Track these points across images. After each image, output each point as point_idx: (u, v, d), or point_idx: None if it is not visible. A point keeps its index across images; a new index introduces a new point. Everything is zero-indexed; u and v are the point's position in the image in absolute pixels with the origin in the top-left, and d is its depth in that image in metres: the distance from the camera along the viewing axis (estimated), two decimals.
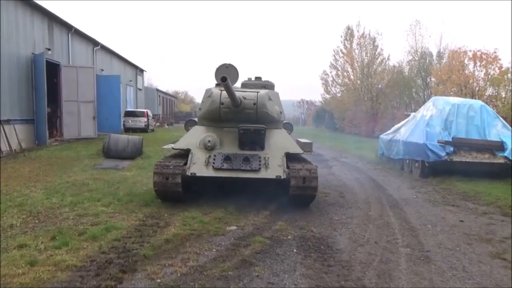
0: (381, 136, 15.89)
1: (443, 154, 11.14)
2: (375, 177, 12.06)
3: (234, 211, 7.07)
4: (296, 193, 7.11)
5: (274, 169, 7.18)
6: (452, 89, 24.04)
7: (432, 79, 28.90)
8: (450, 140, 11.43)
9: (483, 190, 9.76)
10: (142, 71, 44.57)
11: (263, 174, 7.14)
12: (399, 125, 15.08)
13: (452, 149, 11.29)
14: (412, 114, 15.48)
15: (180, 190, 7.06)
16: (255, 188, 7.69)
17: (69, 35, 22.30)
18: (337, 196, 8.96)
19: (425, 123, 12.11)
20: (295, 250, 5.06)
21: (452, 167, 11.36)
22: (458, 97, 16.72)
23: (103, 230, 5.44)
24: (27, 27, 17.45)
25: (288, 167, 7.22)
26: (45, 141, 17.59)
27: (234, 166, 7.15)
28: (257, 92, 8.05)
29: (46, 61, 19.36)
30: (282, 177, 7.09)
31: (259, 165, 7.19)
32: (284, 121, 9.26)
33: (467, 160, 11.16)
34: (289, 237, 5.66)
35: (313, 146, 8.77)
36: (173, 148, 7.98)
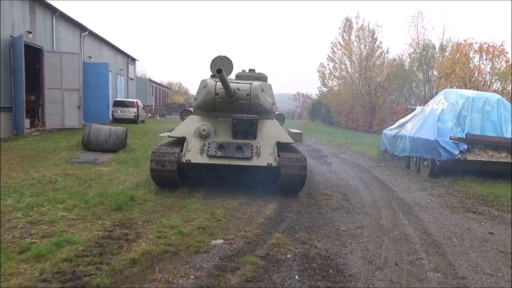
0: (384, 131, 14.80)
1: (456, 152, 10.07)
2: (380, 176, 10.98)
3: (222, 217, 5.96)
4: (286, 180, 7.38)
5: (266, 157, 7.47)
6: (456, 83, 22.97)
7: (435, 72, 27.84)
8: (464, 136, 10.36)
9: (502, 193, 8.74)
10: (134, 60, 43.08)
11: (255, 162, 7.42)
12: (404, 119, 14.00)
13: (466, 146, 10.23)
14: (419, 107, 14.40)
15: (175, 176, 7.35)
16: (247, 176, 7.88)
17: (54, 18, 20.89)
18: (341, 198, 7.87)
19: (436, 118, 11.02)
20: (297, 277, 3.94)
21: (465, 167, 10.31)
22: (472, 90, 15.58)
23: (53, 246, 4.29)
24: (5, 7, 16.09)
25: (279, 155, 7.52)
26: (23, 131, 16.32)
27: (228, 154, 7.43)
28: (251, 84, 8.40)
29: (28, 45, 18.08)
30: (273, 165, 7.38)
31: (251, 153, 7.48)
32: (276, 112, 9.51)
33: (482, 159, 10.11)
34: (288, 255, 4.55)
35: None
36: (169, 136, 8.36)
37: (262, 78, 9.45)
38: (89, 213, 5.78)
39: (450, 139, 10.29)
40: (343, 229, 5.76)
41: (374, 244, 5.16)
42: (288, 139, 8.13)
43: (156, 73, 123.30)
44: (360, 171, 11.75)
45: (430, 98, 28.34)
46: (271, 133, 8.03)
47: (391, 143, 13.63)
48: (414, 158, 11.77)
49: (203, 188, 7.99)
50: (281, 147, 7.89)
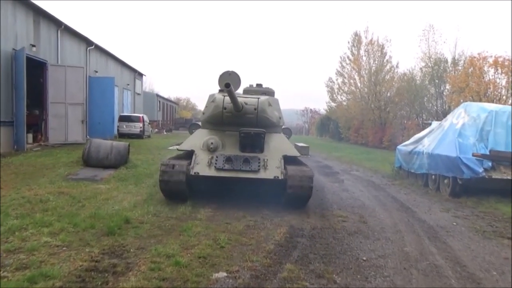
0: (399, 147, 14.08)
1: (480, 170, 9.32)
2: (397, 195, 10.24)
3: (226, 243, 5.29)
4: (292, 192, 7.39)
5: (272, 170, 7.57)
6: (470, 98, 22.21)
7: (447, 87, 27.12)
8: (487, 153, 9.63)
9: None
10: (141, 75, 42.95)
11: (261, 175, 7.51)
12: (420, 134, 13.29)
13: (490, 164, 9.48)
14: (435, 122, 13.69)
15: (184, 188, 7.47)
16: (254, 188, 7.95)
17: (58, 32, 20.63)
18: (357, 221, 7.15)
19: (457, 133, 10.31)
20: None
21: (489, 186, 9.55)
22: (494, 104, 14.85)
23: (25, 281, 3.65)
24: (8, 20, 15.77)
25: (285, 168, 7.58)
26: (24, 146, 15.83)
27: (235, 167, 7.53)
28: (258, 98, 8.50)
29: (31, 58, 17.78)
30: (280, 178, 7.47)
31: (258, 166, 7.59)
32: (284, 127, 9.69)
33: (508, 177, 9.34)
34: None
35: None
36: (178, 149, 8.53)
37: (269, 92, 9.65)
38: (76, 238, 5.13)
39: (473, 155, 9.56)
40: (364, 258, 5.05)
41: (401, 278, 4.44)
42: (294, 153, 8.21)
43: (164, 89, 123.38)
44: (375, 190, 11.02)
45: (443, 113, 27.73)
46: (278, 146, 8.12)
47: (406, 160, 12.90)
48: (433, 176, 11.01)
49: (206, 208, 7.36)
50: (288, 160, 7.94)
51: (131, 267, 4.24)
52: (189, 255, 4.74)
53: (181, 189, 7.44)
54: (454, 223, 7.32)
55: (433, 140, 11.46)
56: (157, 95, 57.99)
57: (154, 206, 7.27)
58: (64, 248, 4.73)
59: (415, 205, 9.00)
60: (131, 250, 4.83)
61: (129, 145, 13.14)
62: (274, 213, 7.33)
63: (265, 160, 7.70)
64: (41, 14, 18.61)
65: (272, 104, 8.87)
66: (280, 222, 6.67)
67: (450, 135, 10.64)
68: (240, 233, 5.88)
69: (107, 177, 10.37)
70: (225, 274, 4.23)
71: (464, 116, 10.68)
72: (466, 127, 10.35)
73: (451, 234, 6.52)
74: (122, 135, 27.56)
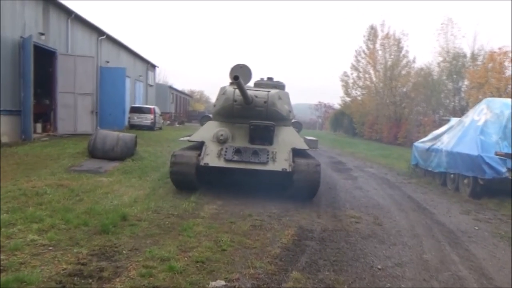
0: (415, 144, 13.49)
1: (503, 170, 8.73)
2: (413, 195, 9.71)
3: (228, 245, 4.86)
4: (299, 185, 7.52)
5: (281, 162, 7.64)
6: (489, 94, 21.37)
7: (465, 82, 26.22)
8: (511, 152, 9.02)
9: None
10: (154, 66, 42.68)
11: (270, 167, 7.60)
12: (438, 131, 12.68)
13: None
14: (455, 119, 13.05)
15: (194, 178, 7.64)
16: (262, 180, 7.94)
17: (69, 21, 20.34)
18: (372, 222, 6.67)
19: (478, 130, 9.70)
20: None
21: (507, 187, 8.95)
22: None
23: None
24: (16, 7, 15.50)
25: (293, 161, 7.66)
26: (30, 135, 15.61)
27: (244, 159, 7.64)
28: (268, 92, 8.60)
29: (40, 47, 17.55)
30: (288, 170, 7.54)
31: (267, 158, 7.68)
32: (294, 121, 9.78)
33: None
34: None
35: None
36: (189, 141, 8.57)
37: (280, 86, 9.70)
38: (66, 236, 4.75)
39: (495, 154, 8.97)
40: (379, 267, 4.58)
41: None
42: (303, 146, 8.24)
43: (178, 81, 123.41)
44: (389, 188, 10.49)
45: (460, 110, 26.85)
46: (287, 139, 8.17)
47: (423, 157, 12.32)
48: (452, 175, 10.44)
49: (211, 205, 6.96)
50: (297, 153, 7.99)
51: (119, 272, 3.84)
52: (186, 259, 4.32)
53: (190, 179, 7.63)
54: (476, 227, 6.79)
55: (453, 137, 10.87)
56: (170, 87, 57.75)
57: (156, 201, 6.88)
58: (51, 248, 4.35)
59: (433, 206, 8.47)
60: (124, 251, 4.44)
61: (136, 137, 12.79)
62: (282, 212, 6.89)
63: (274, 153, 7.79)
64: (50, 3, 18.33)
65: (282, 98, 8.94)
66: (288, 222, 6.23)
67: (471, 132, 10.04)
68: (244, 234, 5.45)
69: (111, 170, 10.03)
70: (223, 282, 3.80)
71: (486, 113, 10.06)
72: (488, 124, 9.74)
73: (474, 240, 6.01)
74: (133, 127, 27.32)
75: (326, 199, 8.45)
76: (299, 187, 7.54)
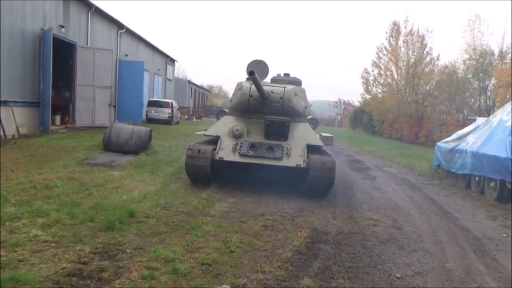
0: (438, 143, 13.00)
1: None
2: (435, 197, 9.29)
3: (236, 247, 4.61)
4: (313, 181, 7.48)
5: (295, 158, 7.63)
6: None
7: (492, 81, 25.34)
8: None
9: None
10: (173, 61, 42.73)
11: (284, 162, 7.59)
12: (463, 131, 12.16)
13: None
14: (481, 118, 12.51)
15: (208, 172, 7.68)
16: (276, 175, 7.92)
17: (89, 14, 20.38)
18: (390, 226, 6.33)
19: (507, 131, 9.19)
20: None
21: None
22: None
23: None
24: (37, 0, 15.55)
25: (308, 157, 7.63)
26: (48, 128, 15.67)
27: (259, 154, 7.66)
28: (284, 87, 8.57)
29: (61, 40, 17.61)
30: (302, 166, 7.53)
31: (282, 154, 7.68)
32: (310, 117, 9.82)
33: None
34: None
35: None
36: (204, 135, 8.61)
37: (296, 82, 9.64)
38: (70, 233, 4.57)
39: None
40: (398, 275, 4.26)
41: None
42: (318, 142, 8.21)
43: (197, 76, 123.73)
44: (410, 189, 10.08)
45: (486, 109, 25.98)
46: (302, 135, 8.15)
47: (447, 158, 11.83)
48: (477, 178, 9.96)
49: (222, 203, 6.74)
50: (312, 149, 7.95)
51: (120, 273, 3.63)
52: (191, 260, 4.09)
53: (205, 173, 7.67)
54: (504, 235, 6.37)
55: (479, 137, 10.37)
56: (189, 82, 57.85)
57: (166, 198, 6.69)
58: (53, 245, 4.17)
59: (457, 209, 8.05)
60: (127, 250, 4.23)
61: (150, 131, 12.66)
62: (296, 212, 6.62)
63: (289, 148, 7.77)
64: None
65: (298, 94, 8.89)
66: (301, 223, 5.95)
67: (499, 133, 9.54)
68: (255, 234, 5.19)
69: (124, 163, 9.90)
70: (229, 287, 3.55)
71: None
72: None
73: (501, 248, 5.61)
74: (150, 120, 27.37)
75: (342, 199, 8.13)
76: (313, 183, 7.51)
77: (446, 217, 7.34)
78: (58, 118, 19.10)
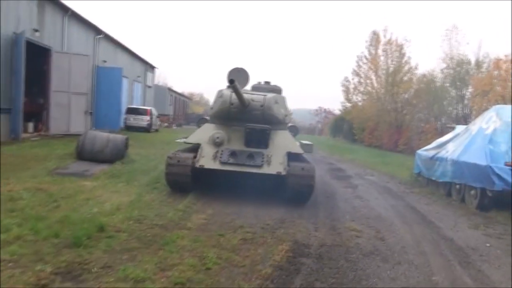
0: (419, 151, 12.98)
1: None
2: (417, 206, 9.18)
3: (213, 263, 4.33)
4: (294, 189, 7.53)
5: (276, 166, 7.65)
6: (495, 102, 20.88)
7: (469, 90, 25.74)
8: None
9: None
10: (153, 67, 42.23)
11: (265, 170, 7.61)
12: (443, 139, 12.17)
13: None
14: (460, 126, 12.55)
15: (189, 180, 7.62)
16: (257, 183, 7.98)
17: (65, 18, 19.86)
18: (374, 236, 6.14)
19: (487, 139, 9.18)
20: None
21: None
22: None
23: None
24: (10, 2, 15.00)
25: (288, 165, 7.64)
26: (19, 135, 15.08)
27: (239, 161, 7.65)
28: (265, 95, 8.68)
29: (35, 44, 17.06)
30: (282, 173, 7.55)
31: (262, 161, 7.70)
32: (290, 125, 9.87)
33: None
34: None
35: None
36: (185, 142, 8.64)
37: (277, 90, 9.81)
38: (31, 250, 4.21)
39: (505, 165, 8.46)
40: None
41: None
42: (298, 150, 8.29)
43: (178, 84, 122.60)
44: (392, 198, 9.97)
45: (463, 117, 26.38)
46: (282, 143, 8.18)
47: (427, 166, 11.80)
48: (457, 186, 9.91)
49: (199, 214, 6.44)
50: (292, 157, 7.98)
51: None
52: (164, 279, 3.79)
53: (186, 181, 7.61)
54: (488, 244, 6.25)
55: (459, 145, 10.35)
56: (169, 89, 57.32)
57: (140, 209, 6.35)
58: (10, 265, 3.81)
59: (439, 218, 7.94)
60: (94, 269, 3.90)
61: (127, 139, 12.26)
62: (276, 223, 6.37)
63: (269, 156, 7.80)
64: None
65: (279, 102, 8.94)
66: (282, 236, 5.70)
67: (479, 141, 9.52)
68: (233, 249, 4.91)
69: (98, 173, 9.49)
70: None
71: (495, 121, 9.54)
72: (498, 133, 9.22)
73: (486, 259, 5.47)
74: (129, 128, 26.85)
75: (324, 209, 7.93)
76: (294, 190, 7.56)
77: (429, 226, 7.21)
78: (31, 125, 18.47)
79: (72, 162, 10.63)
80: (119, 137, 11.98)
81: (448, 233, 6.77)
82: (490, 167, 8.44)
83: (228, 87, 8.38)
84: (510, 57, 21.44)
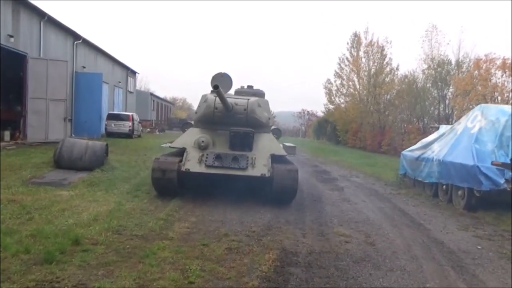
0: (404, 152, 12.89)
1: (502, 181, 8.11)
2: (404, 207, 9.05)
3: (196, 276, 4.06)
4: (278, 190, 7.71)
5: (260, 168, 7.84)
6: (476, 101, 21.07)
7: (451, 90, 25.98)
8: (508, 161, 8.43)
9: None
10: (134, 72, 41.65)
11: (249, 172, 7.79)
12: (428, 139, 12.10)
13: (511, 174, 8.29)
14: (444, 126, 12.52)
15: (175, 184, 7.71)
16: (242, 185, 8.07)
17: (41, 23, 19.33)
18: (363, 241, 5.95)
19: (473, 138, 9.10)
20: None
21: (507, 199, 8.36)
22: None
23: None
24: None
25: (272, 167, 7.85)
26: None
27: (224, 164, 7.79)
28: (248, 99, 8.87)
29: (10, 50, 16.54)
30: (267, 175, 7.76)
31: (247, 164, 7.86)
32: (273, 127, 10.10)
33: None
34: None
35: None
36: (170, 147, 8.77)
37: (260, 94, 10.04)
38: None
39: (492, 164, 8.38)
40: None
41: None
42: (281, 152, 8.51)
43: (161, 89, 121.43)
44: (378, 200, 9.82)
45: (445, 117, 26.62)
46: (266, 145, 8.37)
47: (413, 167, 11.71)
48: (444, 186, 9.82)
49: (182, 223, 6.16)
50: (276, 159, 8.17)
51: None
52: None
53: (172, 185, 7.68)
54: (479, 246, 6.11)
55: (445, 145, 10.27)
56: (151, 94, 56.74)
57: (119, 219, 6.04)
58: None
59: (427, 220, 7.80)
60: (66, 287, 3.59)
61: (107, 145, 11.89)
62: (263, 230, 6.13)
63: (253, 158, 7.95)
64: (21, 3, 17.33)
65: (262, 105, 9.17)
66: (269, 243, 5.46)
67: (465, 140, 9.45)
68: (218, 260, 4.65)
69: (76, 182, 9.12)
70: None
71: (480, 120, 9.48)
72: (483, 132, 9.15)
73: (479, 262, 5.32)
74: (110, 134, 26.30)
75: (311, 213, 7.72)
76: (278, 191, 7.73)
77: (418, 229, 7.06)
78: (7, 133, 17.91)
79: (49, 171, 10.23)
80: (98, 144, 11.60)
81: (439, 236, 6.62)
82: (477, 166, 8.34)
83: (212, 92, 8.44)
84: (490, 57, 21.68)
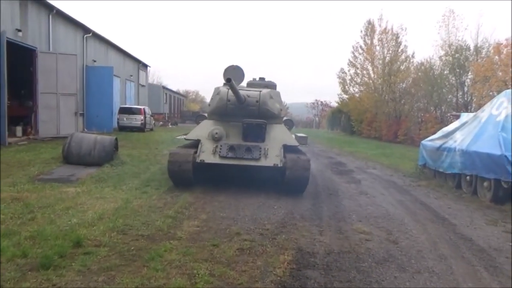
0: (423, 142, 12.36)
1: None
2: (426, 200, 8.59)
3: (205, 281, 3.72)
4: (290, 179, 7.83)
5: (272, 158, 8.01)
6: (496, 88, 20.29)
7: (469, 76, 25.12)
8: None
9: None
10: (145, 66, 41.45)
11: (262, 162, 7.97)
12: (449, 128, 11.55)
13: None
14: (466, 114, 11.94)
15: (190, 175, 7.91)
16: (255, 175, 8.34)
17: (50, 17, 19.13)
18: (385, 239, 5.53)
19: (499, 126, 8.57)
20: None
21: None
22: None
23: None
24: None
25: (285, 157, 8.01)
26: (4, 140, 14.38)
27: (238, 155, 7.99)
28: (260, 91, 8.98)
29: (19, 45, 16.37)
30: (279, 165, 7.92)
31: (259, 154, 8.03)
32: (285, 118, 10.26)
33: None
34: None
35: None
36: (185, 139, 8.85)
37: (271, 86, 10.27)
38: None
39: None
40: None
41: None
42: (293, 142, 8.59)
43: (173, 82, 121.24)
44: (398, 193, 9.36)
45: (464, 105, 25.79)
46: (278, 136, 8.50)
47: (433, 157, 11.19)
48: (468, 177, 9.30)
49: (192, 221, 5.82)
50: (288, 149, 8.31)
51: None
52: None
53: (188, 176, 7.90)
54: (511, 244, 5.65)
55: (468, 134, 9.73)
56: (164, 87, 56.55)
57: (126, 218, 5.73)
58: None
59: (452, 214, 7.33)
60: None
61: (116, 139, 11.63)
62: (277, 228, 5.76)
63: (266, 149, 8.11)
64: None
65: (273, 97, 9.32)
66: (284, 243, 5.08)
67: (490, 128, 8.92)
68: (228, 262, 4.30)
69: (84, 177, 8.87)
70: None
71: (507, 106, 8.91)
72: (510, 119, 8.61)
73: None
74: (122, 128, 26.18)
75: (328, 208, 7.32)
76: (290, 181, 7.85)
77: (443, 224, 6.61)
78: (19, 129, 17.82)
79: (58, 167, 10.01)
80: (108, 138, 11.33)
81: (466, 232, 6.17)
82: (505, 156, 7.82)
83: (225, 84, 8.58)
84: (510, 41, 20.81)
